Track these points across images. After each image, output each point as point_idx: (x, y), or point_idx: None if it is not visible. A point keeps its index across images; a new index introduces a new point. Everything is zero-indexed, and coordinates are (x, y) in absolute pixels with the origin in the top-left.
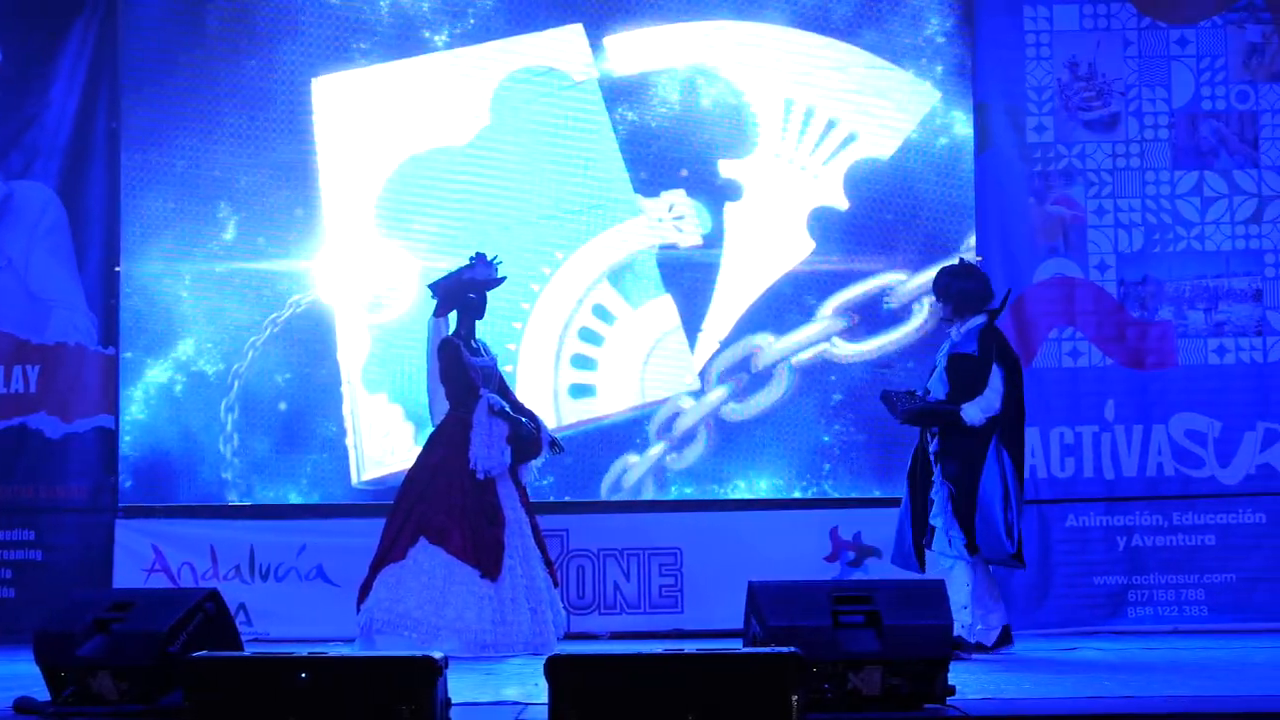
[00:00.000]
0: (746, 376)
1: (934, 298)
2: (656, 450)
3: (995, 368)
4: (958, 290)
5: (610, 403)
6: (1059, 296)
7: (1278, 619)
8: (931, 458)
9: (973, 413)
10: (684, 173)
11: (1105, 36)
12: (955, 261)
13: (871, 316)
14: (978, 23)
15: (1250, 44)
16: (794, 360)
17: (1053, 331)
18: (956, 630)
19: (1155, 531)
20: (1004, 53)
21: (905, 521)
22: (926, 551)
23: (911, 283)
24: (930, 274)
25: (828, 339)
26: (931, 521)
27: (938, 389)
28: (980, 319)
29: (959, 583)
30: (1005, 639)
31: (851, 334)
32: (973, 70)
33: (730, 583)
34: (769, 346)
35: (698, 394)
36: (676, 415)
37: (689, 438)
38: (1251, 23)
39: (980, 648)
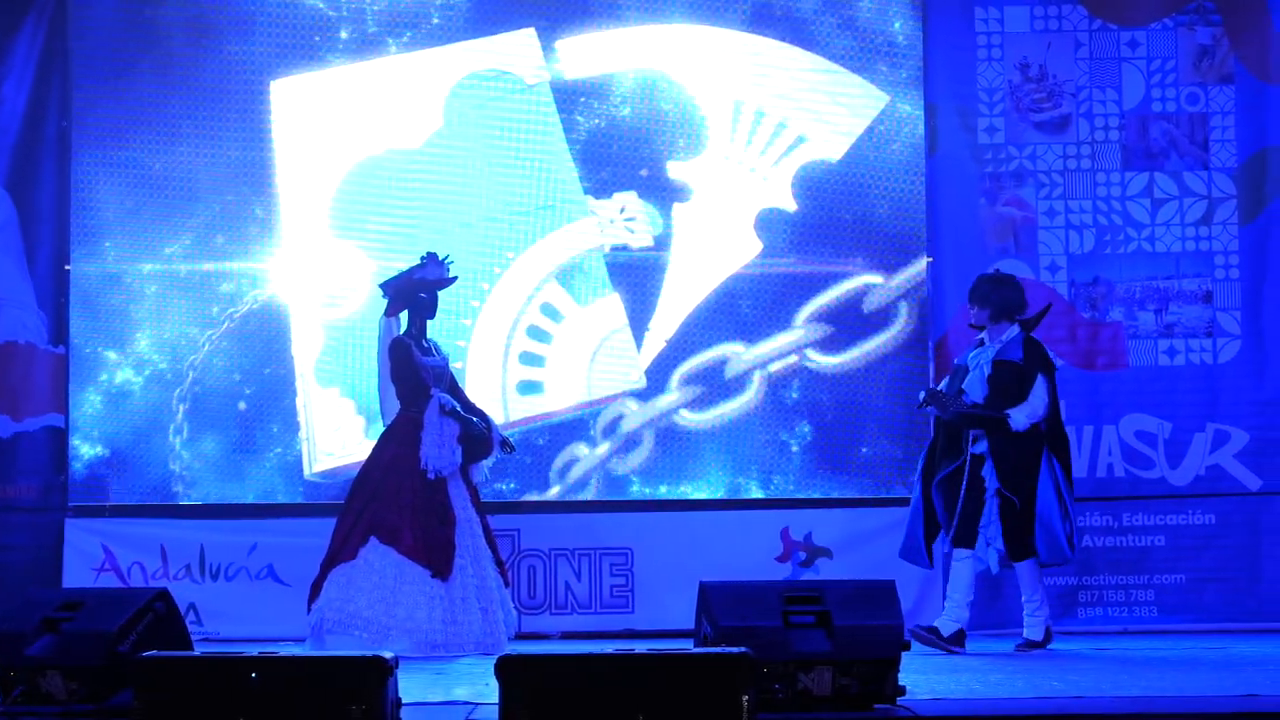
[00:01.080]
0: (702, 389)
1: (970, 303)
2: (603, 449)
3: (1040, 376)
4: (998, 298)
5: (558, 400)
6: None
7: (1227, 619)
8: (977, 466)
9: (1019, 419)
10: (644, 172)
11: (1056, 38)
12: (993, 270)
13: (844, 323)
14: (929, 24)
15: (1200, 46)
16: (770, 369)
17: None
18: (956, 625)
19: (1105, 532)
20: (955, 54)
21: (916, 516)
22: (952, 549)
23: (891, 282)
24: (904, 276)
25: (799, 350)
26: (982, 529)
27: (975, 394)
28: (1016, 328)
29: (965, 579)
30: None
31: (825, 344)
32: (924, 71)
33: (681, 583)
34: (738, 356)
35: (643, 394)
36: (621, 418)
37: (634, 441)
38: (1202, 25)
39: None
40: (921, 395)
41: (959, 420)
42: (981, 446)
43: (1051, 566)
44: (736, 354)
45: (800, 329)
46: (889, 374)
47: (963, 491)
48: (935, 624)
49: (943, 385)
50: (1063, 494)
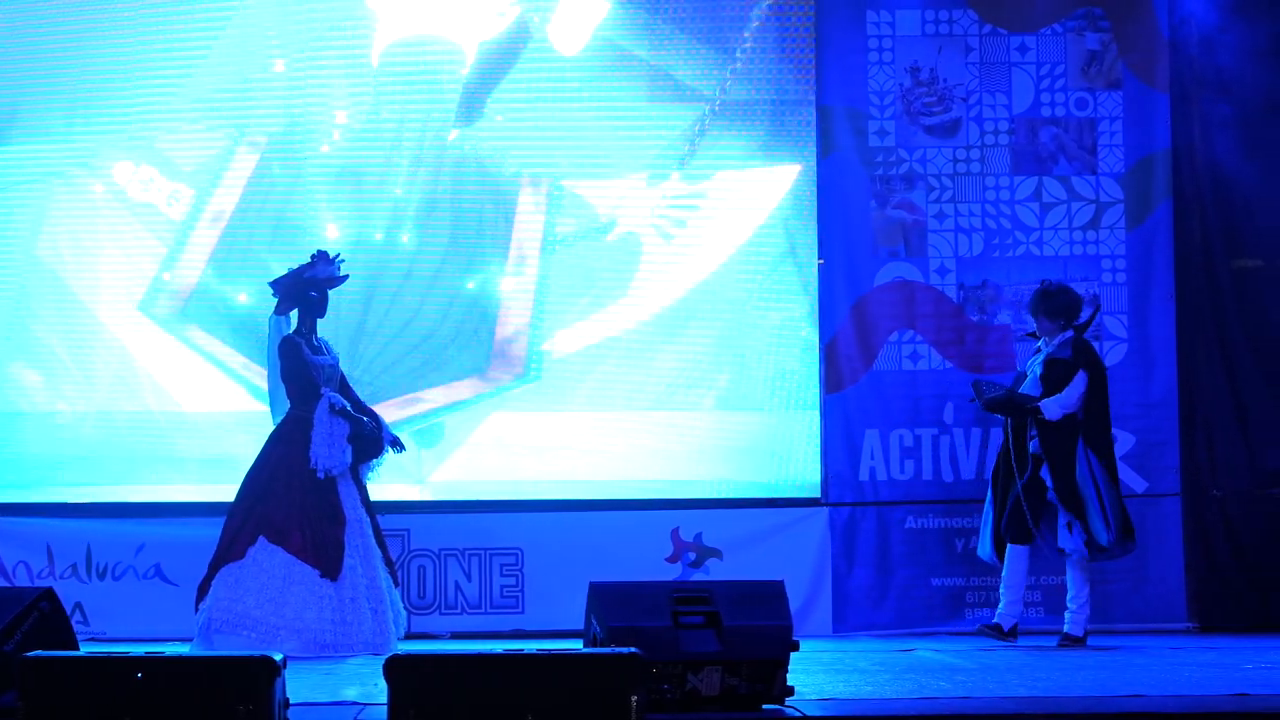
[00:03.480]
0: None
1: (1031, 315)
2: None
3: (1081, 371)
4: (1048, 307)
5: None
6: (899, 300)
7: (1113, 620)
8: (1037, 465)
9: (1052, 408)
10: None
11: (947, 42)
12: (1048, 282)
13: None
14: (820, 27)
15: (1089, 52)
16: None
17: (893, 335)
18: (1013, 619)
19: None
20: (846, 57)
21: (989, 517)
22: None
23: None
24: None
25: None
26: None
27: (1032, 393)
28: (1069, 332)
29: (1018, 573)
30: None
31: None
32: (816, 74)
33: (572, 583)
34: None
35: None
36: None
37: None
38: (1091, 31)
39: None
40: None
41: (994, 406)
42: (1035, 445)
43: (1105, 558)
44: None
45: None
46: None
47: (1019, 487)
48: (995, 620)
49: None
50: (1099, 483)
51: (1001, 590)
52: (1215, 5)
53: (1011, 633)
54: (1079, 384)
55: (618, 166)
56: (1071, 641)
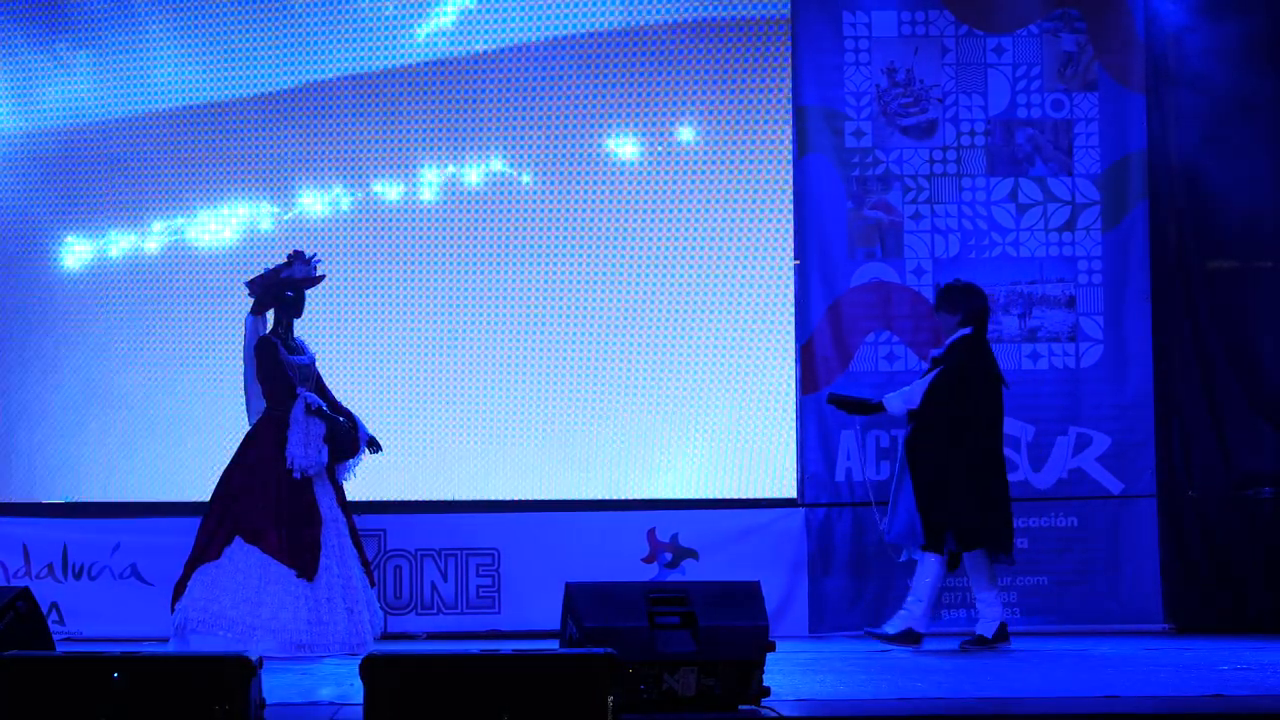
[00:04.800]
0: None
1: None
2: None
3: (936, 370)
4: (965, 306)
5: None
6: (876, 300)
7: (1088, 621)
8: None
9: (895, 403)
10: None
11: (924, 43)
12: (957, 280)
13: None
14: (797, 27)
15: (1065, 53)
16: None
17: (869, 335)
18: (906, 623)
19: None
20: (823, 57)
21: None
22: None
23: None
24: None
25: None
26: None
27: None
28: (966, 330)
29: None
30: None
31: None
32: (793, 74)
33: (548, 584)
34: None
35: None
36: None
37: None
38: (1066, 32)
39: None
40: None
41: (834, 400)
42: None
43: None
44: None
45: None
46: None
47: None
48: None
49: None
50: (919, 486)
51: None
52: (1189, 6)
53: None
54: (924, 382)
55: (587, 164)
56: (908, 640)
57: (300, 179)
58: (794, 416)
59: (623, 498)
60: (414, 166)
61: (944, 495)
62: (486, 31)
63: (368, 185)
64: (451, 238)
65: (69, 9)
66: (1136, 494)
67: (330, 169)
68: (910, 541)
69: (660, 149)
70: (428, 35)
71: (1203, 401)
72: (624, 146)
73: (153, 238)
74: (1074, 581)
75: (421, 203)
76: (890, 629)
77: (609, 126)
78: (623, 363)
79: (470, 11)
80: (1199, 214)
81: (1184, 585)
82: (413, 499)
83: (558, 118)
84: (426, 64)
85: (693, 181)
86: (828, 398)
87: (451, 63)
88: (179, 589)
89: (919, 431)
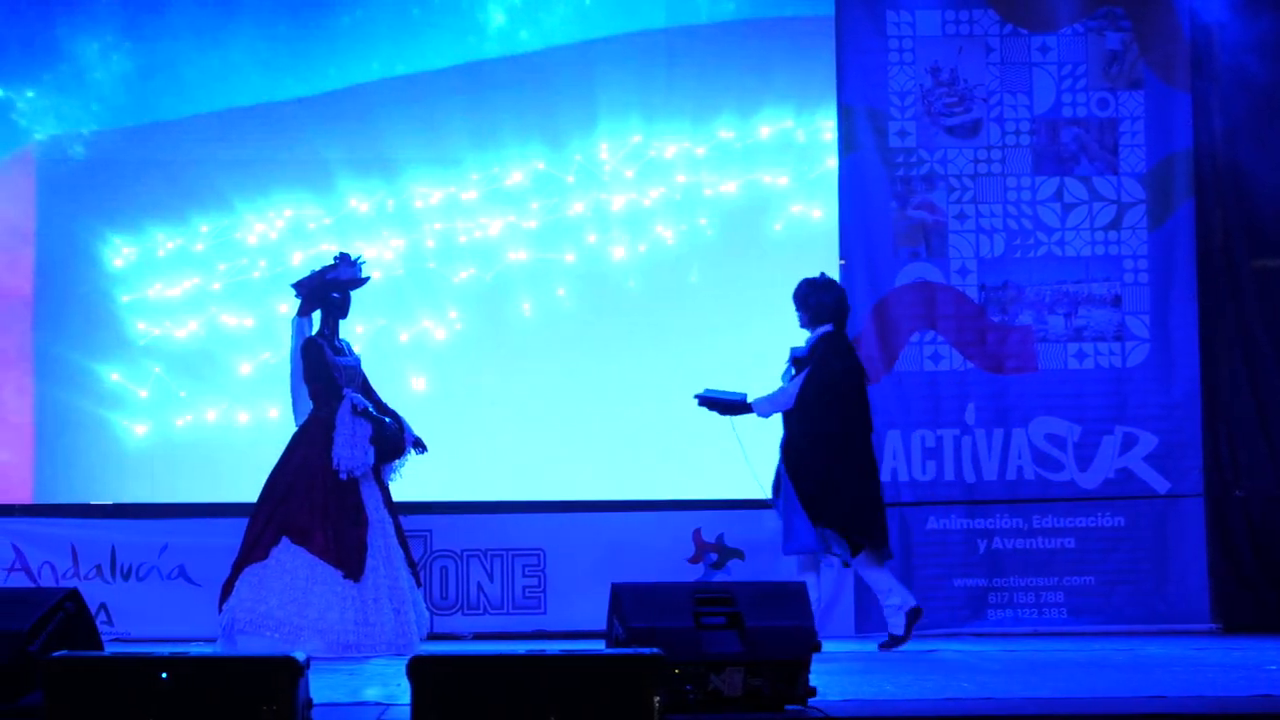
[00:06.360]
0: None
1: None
2: None
3: (805, 371)
4: (816, 302)
5: None
6: (920, 300)
7: (1135, 621)
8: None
9: (764, 407)
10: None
11: (968, 43)
12: (817, 274)
13: None
14: (841, 27)
15: (1110, 52)
16: None
17: (914, 335)
18: (900, 612)
19: (1015, 534)
20: (867, 57)
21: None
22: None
23: None
24: None
25: None
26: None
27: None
28: (827, 328)
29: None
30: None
31: None
32: (837, 73)
33: (593, 584)
34: None
35: None
36: None
37: None
38: (1111, 31)
39: None
40: None
41: (703, 401)
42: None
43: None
44: None
45: None
46: None
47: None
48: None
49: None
50: (804, 495)
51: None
52: (1236, 4)
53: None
54: (795, 384)
55: (631, 164)
56: (914, 619)
57: (347, 179)
58: None
59: (668, 498)
60: (458, 166)
61: (834, 500)
62: (529, 32)
63: (412, 186)
64: (495, 237)
65: (114, 10)
66: (1183, 493)
67: (376, 169)
68: (819, 546)
69: (704, 148)
70: (471, 36)
71: (1250, 401)
72: (667, 147)
73: (200, 239)
74: (1121, 581)
75: (463, 203)
76: (896, 630)
77: (653, 126)
78: (669, 363)
79: (516, 10)
80: (1245, 212)
81: (1231, 584)
82: (459, 500)
83: (600, 117)
84: (470, 65)
85: (738, 181)
86: (697, 399)
87: (495, 64)
88: (226, 589)
89: (795, 438)
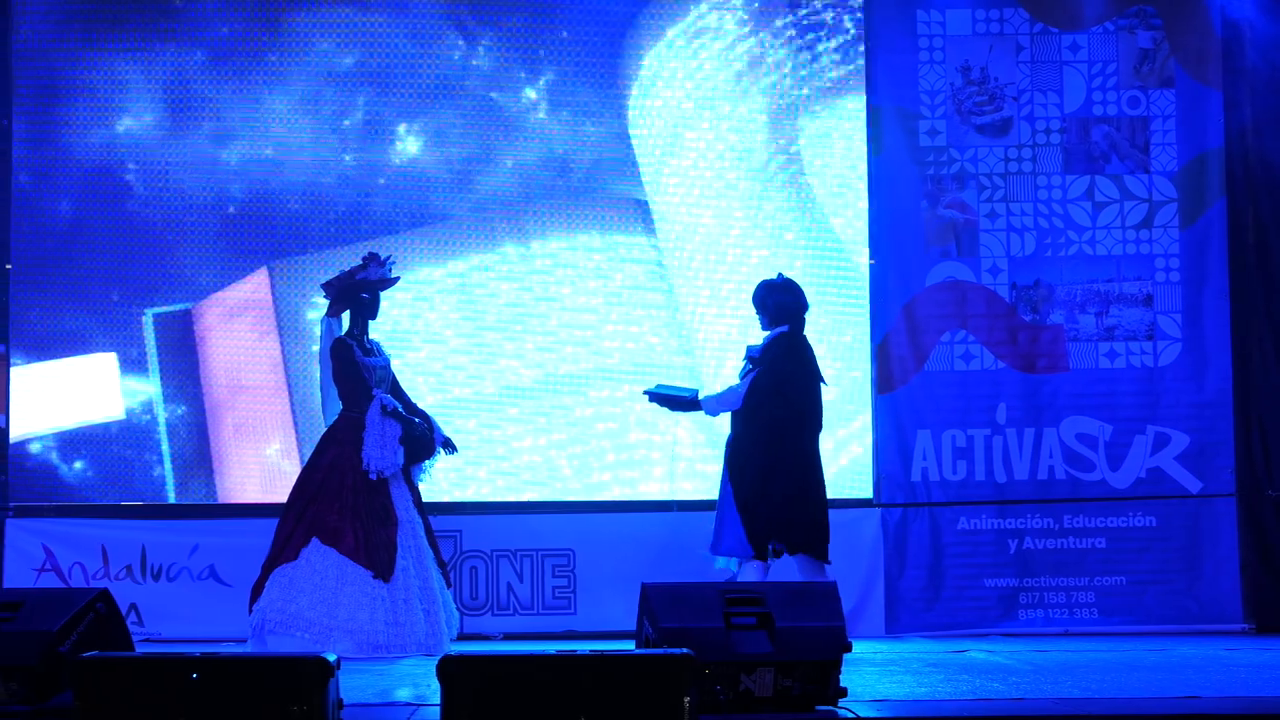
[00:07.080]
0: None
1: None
2: None
3: (755, 371)
4: (773, 303)
5: None
6: (951, 300)
7: (1167, 621)
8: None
9: (713, 405)
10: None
11: (998, 41)
12: (774, 276)
13: None
14: (870, 26)
15: (1141, 50)
16: None
17: (945, 335)
18: None
19: (1046, 534)
20: (897, 56)
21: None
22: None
23: None
24: None
25: None
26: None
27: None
28: (782, 328)
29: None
30: None
31: None
32: (867, 73)
33: (623, 584)
34: None
35: None
36: None
37: None
38: (1142, 29)
39: None
40: None
41: (654, 397)
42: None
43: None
44: None
45: None
46: None
47: None
48: None
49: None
50: (740, 495)
51: None
52: (1266, 1)
53: None
54: (744, 384)
55: (658, 162)
56: None
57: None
58: (870, 416)
59: (698, 498)
60: (493, 165)
61: (769, 502)
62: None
63: (443, 186)
64: (522, 237)
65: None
66: (1215, 493)
67: (405, 172)
68: (741, 553)
69: (734, 148)
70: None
71: None
72: (697, 144)
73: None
74: (1153, 581)
75: (494, 204)
76: None
77: (680, 126)
78: (699, 363)
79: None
80: (1277, 211)
81: (1264, 584)
82: (488, 500)
83: (627, 114)
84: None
85: (767, 180)
86: (647, 395)
87: (516, 62)
88: (256, 590)
89: (740, 438)
